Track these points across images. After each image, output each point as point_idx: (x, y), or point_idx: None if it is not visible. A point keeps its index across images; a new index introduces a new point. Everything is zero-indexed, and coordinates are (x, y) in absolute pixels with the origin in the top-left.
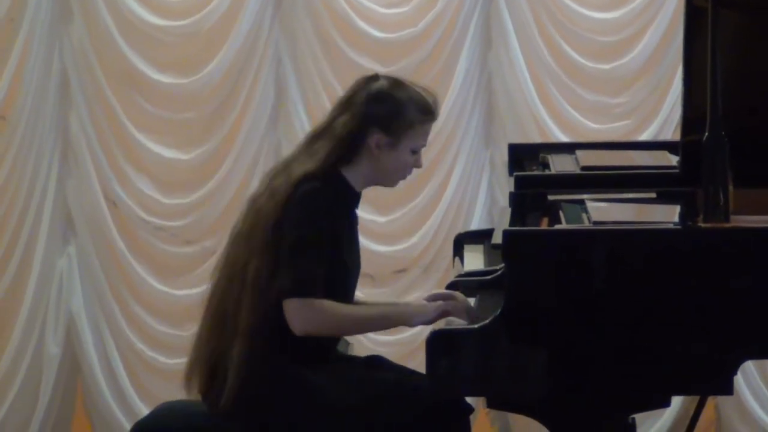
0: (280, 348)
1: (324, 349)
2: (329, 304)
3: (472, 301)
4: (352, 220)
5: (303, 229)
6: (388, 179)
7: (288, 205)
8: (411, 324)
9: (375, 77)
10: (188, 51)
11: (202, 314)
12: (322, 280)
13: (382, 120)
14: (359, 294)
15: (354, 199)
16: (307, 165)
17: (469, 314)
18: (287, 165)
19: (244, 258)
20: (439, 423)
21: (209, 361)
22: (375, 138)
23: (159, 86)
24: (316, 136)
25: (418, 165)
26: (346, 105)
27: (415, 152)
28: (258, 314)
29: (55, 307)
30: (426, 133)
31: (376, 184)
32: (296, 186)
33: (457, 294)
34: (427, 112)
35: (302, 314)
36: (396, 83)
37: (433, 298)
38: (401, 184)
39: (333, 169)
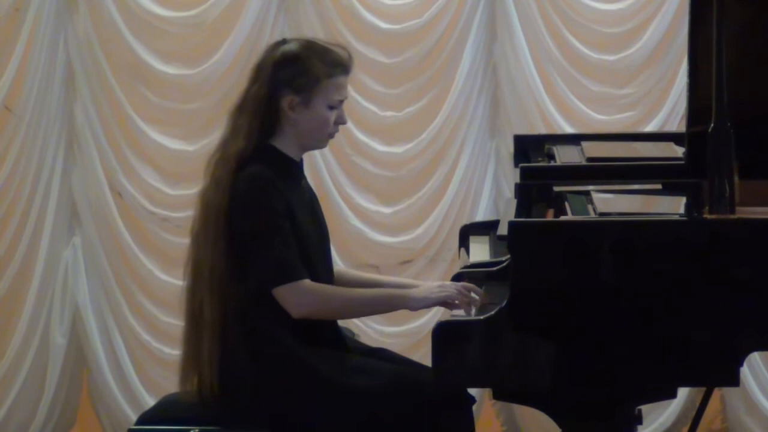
0: (268, 336)
1: (325, 333)
2: (320, 286)
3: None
4: (303, 188)
5: (259, 217)
6: (313, 140)
7: (233, 194)
8: (411, 308)
9: (282, 42)
10: (193, 42)
11: (184, 316)
12: (298, 259)
13: (289, 81)
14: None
15: (295, 168)
16: (238, 143)
17: (474, 308)
18: (221, 149)
19: (203, 254)
20: (441, 414)
21: (196, 361)
22: (287, 100)
23: (164, 77)
24: (236, 113)
25: (341, 121)
26: (256, 74)
27: (333, 108)
28: (221, 306)
29: (60, 298)
30: (339, 87)
31: (308, 148)
32: (236, 172)
33: (475, 288)
34: (333, 65)
35: (295, 298)
36: (302, 44)
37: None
38: (397, 181)
39: (263, 143)
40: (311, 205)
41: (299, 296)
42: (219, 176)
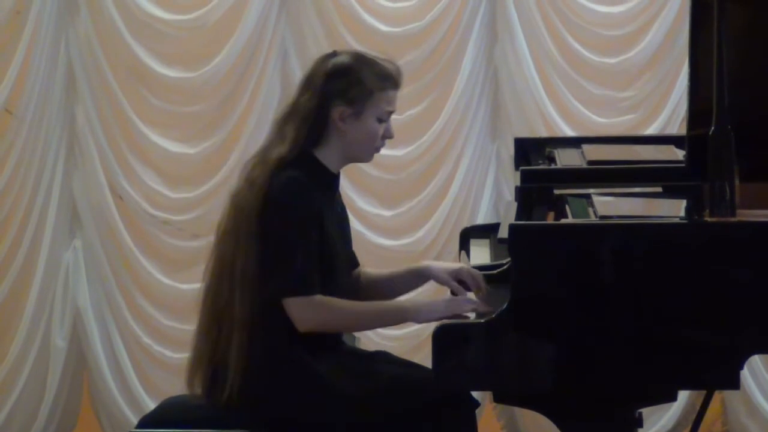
0: (280, 338)
1: (326, 337)
2: (330, 300)
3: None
4: (334, 202)
5: (287, 225)
6: (361, 152)
7: (267, 196)
8: (418, 320)
9: (333, 54)
10: (194, 45)
11: (198, 315)
12: (317, 273)
13: (341, 92)
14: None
15: (331, 180)
16: (280, 149)
17: (481, 309)
18: (262, 153)
19: (232, 253)
20: (445, 417)
21: (210, 360)
22: (338, 111)
23: (165, 80)
24: (283, 119)
25: (388, 135)
26: (307, 84)
27: (382, 121)
28: (252, 307)
29: (61, 300)
30: (389, 101)
31: (352, 160)
32: (272, 175)
33: (478, 274)
34: (385, 78)
35: (304, 312)
36: (354, 56)
37: (455, 274)
38: (397, 184)
39: (306, 152)
40: (341, 220)
41: (307, 311)
42: (254, 178)
